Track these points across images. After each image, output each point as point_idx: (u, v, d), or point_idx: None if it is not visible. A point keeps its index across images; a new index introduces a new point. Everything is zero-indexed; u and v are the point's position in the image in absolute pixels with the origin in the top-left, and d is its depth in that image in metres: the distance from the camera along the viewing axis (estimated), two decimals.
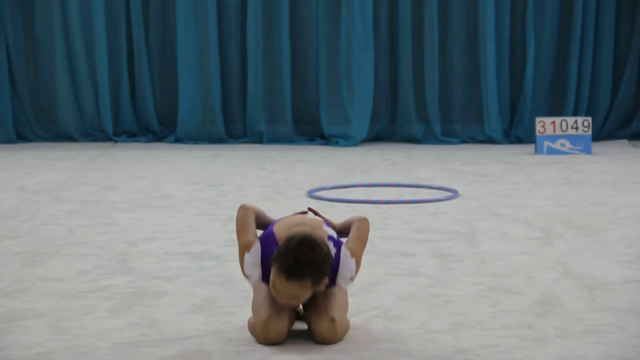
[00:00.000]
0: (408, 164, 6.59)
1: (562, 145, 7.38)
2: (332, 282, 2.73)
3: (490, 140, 7.28)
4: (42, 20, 7.17)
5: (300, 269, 2.54)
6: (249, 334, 2.99)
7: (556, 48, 7.44)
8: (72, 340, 2.92)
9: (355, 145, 7.21)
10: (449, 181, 5.75)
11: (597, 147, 7.48)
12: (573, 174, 6.58)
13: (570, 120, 7.40)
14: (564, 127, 7.35)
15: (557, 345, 2.92)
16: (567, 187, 6.14)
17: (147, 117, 7.25)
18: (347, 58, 7.29)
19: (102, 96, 7.12)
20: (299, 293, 2.58)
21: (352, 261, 2.72)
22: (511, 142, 7.34)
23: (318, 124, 7.28)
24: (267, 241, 2.76)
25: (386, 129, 7.51)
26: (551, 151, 7.35)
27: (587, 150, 7.33)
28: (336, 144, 7.16)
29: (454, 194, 5.26)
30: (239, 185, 5.65)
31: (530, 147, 7.43)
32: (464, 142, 7.37)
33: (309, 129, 7.52)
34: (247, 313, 3.14)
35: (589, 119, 7.44)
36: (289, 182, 5.86)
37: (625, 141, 7.92)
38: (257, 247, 2.76)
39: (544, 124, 7.39)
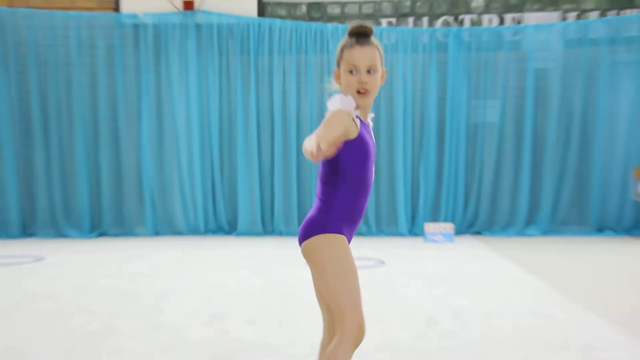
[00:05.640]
0: None
1: (438, 237, 9.78)
2: None
3: None
4: None
5: (365, 32, 2.63)
6: None
7: None
8: None
9: None
10: None
11: (457, 239, 10.00)
12: (444, 251, 8.78)
13: (443, 224, 9.82)
14: (438, 229, 9.76)
15: None
16: (443, 258, 8.17)
17: None
18: None
19: None
20: (372, 56, 2.62)
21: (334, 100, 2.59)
22: None
23: None
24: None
25: None
26: (431, 240, 9.69)
27: (450, 240, 9.74)
28: None
29: None
30: None
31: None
32: None
33: None
34: None
35: (452, 224, 9.87)
36: None
37: (470, 235, 10.50)
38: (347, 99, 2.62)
39: (430, 227, 9.81)
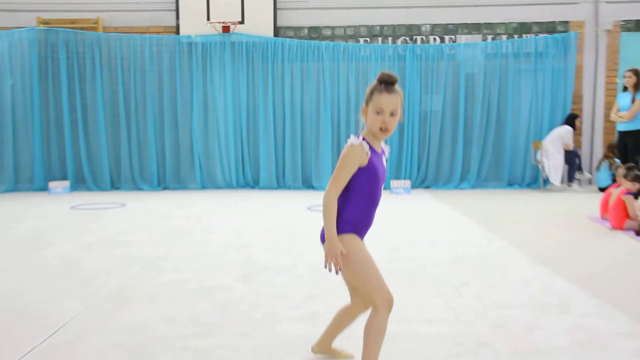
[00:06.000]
0: None
1: (400, 190, 9.47)
2: None
3: None
4: None
5: (392, 81, 2.27)
6: None
7: None
8: None
9: None
10: None
11: (413, 191, 9.65)
12: (404, 200, 8.44)
13: (403, 181, 9.53)
14: (400, 185, 9.47)
15: None
16: (403, 205, 7.87)
17: None
18: None
19: None
20: (396, 102, 2.27)
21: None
22: None
23: None
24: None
25: None
26: (395, 192, 9.31)
27: (408, 192, 9.38)
28: None
29: None
30: None
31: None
32: None
33: None
34: None
35: (409, 181, 9.69)
36: None
37: (422, 189, 10.07)
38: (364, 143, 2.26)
39: (394, 183, 9.34)
